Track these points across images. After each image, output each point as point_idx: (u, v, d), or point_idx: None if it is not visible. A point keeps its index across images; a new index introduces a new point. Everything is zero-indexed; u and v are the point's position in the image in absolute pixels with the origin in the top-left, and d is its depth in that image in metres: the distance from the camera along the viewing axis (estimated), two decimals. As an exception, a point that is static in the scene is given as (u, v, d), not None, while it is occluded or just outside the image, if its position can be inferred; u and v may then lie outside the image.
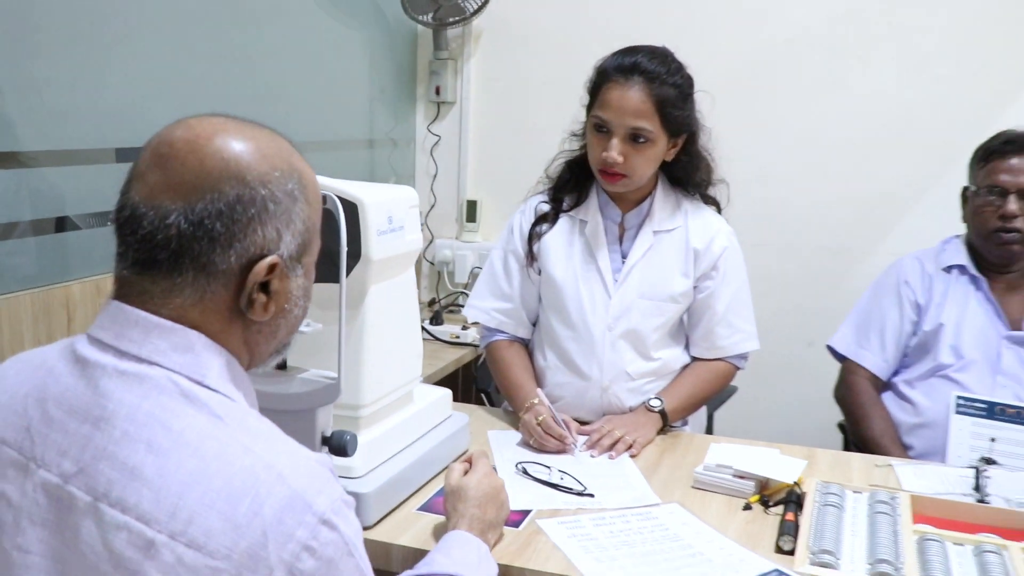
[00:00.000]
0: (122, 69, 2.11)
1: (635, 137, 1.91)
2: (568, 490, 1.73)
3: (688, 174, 2.06)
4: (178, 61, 2.26)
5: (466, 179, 3.26)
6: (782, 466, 1.80)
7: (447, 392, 1.87)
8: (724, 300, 2.09)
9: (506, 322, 2.15)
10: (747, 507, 1.70)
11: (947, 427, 2.10)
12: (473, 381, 2.81)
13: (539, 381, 2.11)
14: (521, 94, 3.04)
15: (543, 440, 1.90)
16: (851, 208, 2.94)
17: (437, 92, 3.04)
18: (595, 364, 2.05)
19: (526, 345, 2.19)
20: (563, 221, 2.09)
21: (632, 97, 1.89)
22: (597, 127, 1.94)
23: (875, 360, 2.36)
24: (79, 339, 1.03)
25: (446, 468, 1.76)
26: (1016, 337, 2.25)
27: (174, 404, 0.96)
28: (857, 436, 2.37)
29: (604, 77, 1.93)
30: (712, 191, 2.11)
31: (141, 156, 1.02)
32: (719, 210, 2.13)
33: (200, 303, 1.01)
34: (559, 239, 2.07)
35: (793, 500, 1.67)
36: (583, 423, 2.02)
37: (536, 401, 1.97)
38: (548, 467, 1.81)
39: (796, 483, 1.73)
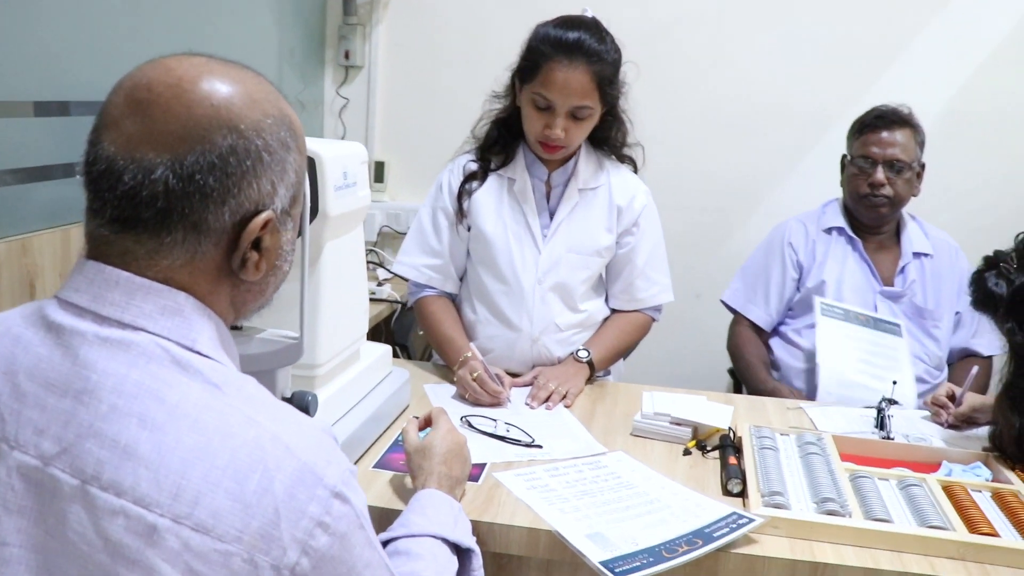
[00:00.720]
0: (40, 20, 1.85)
1: (576, 113, 1.86)
2: (517, 442, 1.65)
3: (609, 135, 2.01)
4: (94, 15, 2.00)
5: (374, 141, 3.09)
6: (713, 412, 1.78)
7: (387, 348, 1.76)
8: (643, 254, 2.06)
9: (435, 277, 2.03)
10: (687, 452, 1.68)
11: (837, 367, 2.16)
12: (391, 336, 2.66)
13: (469, 335, 2.02)
14: (428, 59, 2.89)
15: (478, 395, 1.80)
16: (735, 173, 2.96)
17: (346, 56, 2.86)
18: (525, 316, 1.98)
19: (454, 300, 2.06)
20: (492, 180, 1.98)
21: (578, 78, 1.82)
22: (539, 103, 1.85)
23: (759, 314, 2.43)
24: (48, 303, 0.87)
25: (392, 425, 1.65)
26: (888, 292, 2.34)
27: (166, 373, 0.82)
28: (740, 372, 2.43)
29: (546, 54, 1.83)
30: (628, 151, 2.06)
31: (111, 101, 0.86)
32: (635, 169, 2.06)
33: (190, 264, 0.87)
34: (489, 197, 1.96)
35: (730, 444, 1.63)
36: (514, 375, 1.96)
37: (469, 355, 1.85)
38: (494, 420, 1.72)
39: (730, 428, 1.67)
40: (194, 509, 0.77)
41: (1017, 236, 1.63)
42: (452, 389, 1.89)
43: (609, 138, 2.00)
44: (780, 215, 2.84)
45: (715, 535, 1.30)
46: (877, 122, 2.29)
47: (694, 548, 1.27)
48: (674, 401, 1.79)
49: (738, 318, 2.47)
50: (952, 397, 1.87)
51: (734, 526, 1.32)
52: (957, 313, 2.36)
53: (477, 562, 1.21)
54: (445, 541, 1.16)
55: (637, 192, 2.03)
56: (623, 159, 2.05)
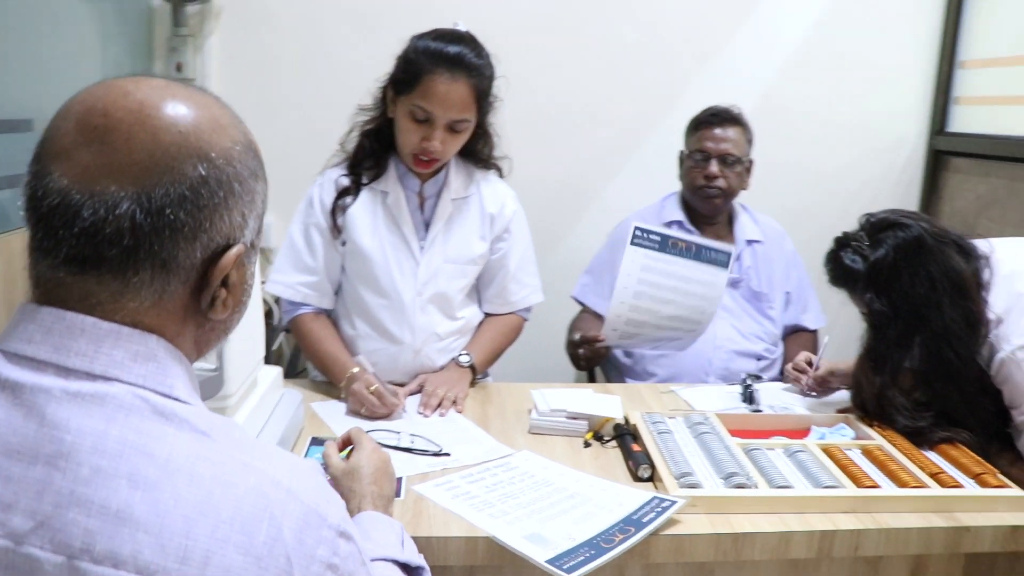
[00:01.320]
0: None
1: (454, 126, 1.88)
2: (425, 452, 1.65)
3: (477, 148, 2.04)
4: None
5: (211, 156, 2.95)
6: (603, 404, 1.85)
7: (278, 370, 1.71)
8: (515, 259, 2.12)
9: (311, 295, 2.01)
10: (587, 444, 1.73)
11: (692, 350, 2.25)
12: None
13: (349, 350, 1.99)
14: (264, 70, 2.81)
15: (375, 408, 1.80)
16: (570, 172, 3.02)
17: (178, 69, 2.73)
18: (407, 329, 1.99)
19: (330, 315, 2.04)
20: (364, 194, 1.98)
21: (459, 91, 1.84)
22: (417, 115, 1.85)
23: (605, 305, 2.39)
24: None
25: (293, 448, 1.62)
26: (729, 279, 2.42)
27: (148, 425, 0.75)
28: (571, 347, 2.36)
29: (426, 67, 1.83)
30: (494, 161, 2.11)
31: (58, 128, 0.78)
32: (501, 174, 2.10)
33: (158, 305, 0.80)
34: (363, 211, 1.96)
35: (627, 432, 1.70)
36: (398, 385, 1.94)
37: (357, 370, 1.87)
38: (397, 433, 1.72)
39: (625, 417, 1.76)
40: (205, 570, 0.72)
41: (860, 219, 1.81)
42: (339, 405, 1.88)
43: (476, 151, 2.03)
44: (611, 212, 2.99)
45: (644, 521, 1.37)
46: (712, 119, 2.43)
47: (628, 536, 1.33)
48: (564, 396, 1.85)
49: (586, 309, 2.52)
50: (810, 363, 2.04)
51: (659, 510, 1.39)
52: (787, 293, 2.53)
53: None
54: (395, 562, 1.12)
55: (507, 199, 2.08)
56: (490, 166, 2.08)
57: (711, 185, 2.41)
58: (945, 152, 3.07)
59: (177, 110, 0.79)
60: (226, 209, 0.82)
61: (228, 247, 0.83)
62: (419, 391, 1.95)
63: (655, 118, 3.01)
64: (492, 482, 1.53)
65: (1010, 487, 1.51)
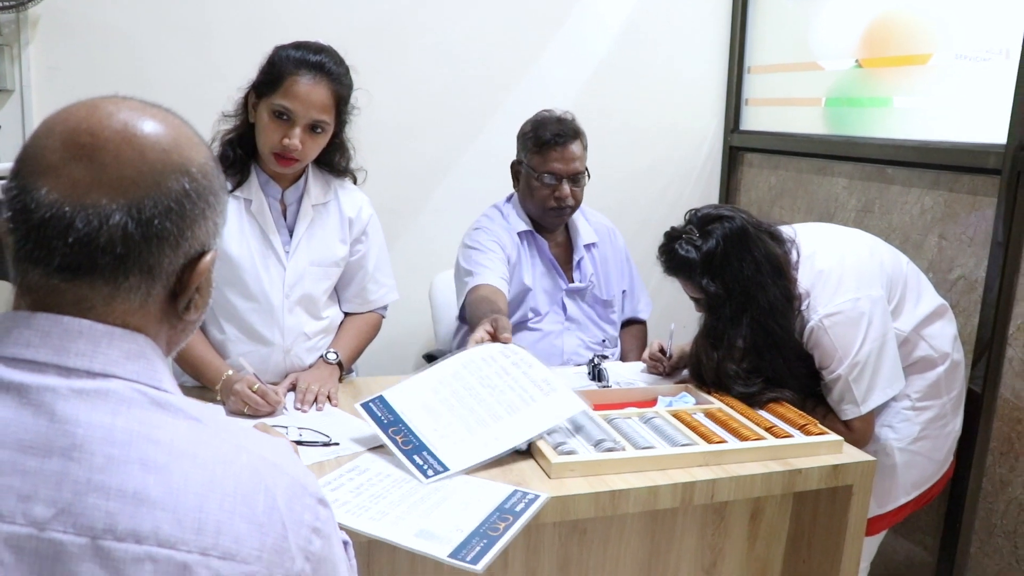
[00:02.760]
0: None
1: (314, 127, 1.94)
2: (315, 443, 1.72)
3: (333, 160, 2.11)
4: None
5: (31, 168, 2.82)
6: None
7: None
8: (372, 260, 2.21)
9: (178, 302, 2.00)
10: (463, 426, 1.82)
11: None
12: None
13: (220, 354, 2.01)
14: (88, 81, 2.72)
15: (260, 407, 1.85)
16: (402, 175, 3.10)
17: (-6, 79, 2.61)
18: (277, 330, 2.04)
19: (196, 321, 2.06)
20: (229, 201, 1.99)
21: (320, 92, 1.92)
22: (279, 114, 1.91)
23: (492, 277, 2.33)
24: None
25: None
26: (572, 289, 2.55)
27: (149, 416, 0.83)
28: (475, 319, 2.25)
29: (289, 70, 1.90)
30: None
31: (44, 146, 0.83)
32: (355, 182, 2.18)
33: (143, 307, 0.87)
34: (230, 219, 1.99)
35: (499, 412, 1.82)
36: (270, 384, 1.98)
37: (232, 372, 1.93)
38: (284, 427, 1.77)
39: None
40: (218, 539, 0.80)
41: (686, 214, 2.03)
42: (216, 408, 1.91)
43: (333, 162, 2.10)
44: (445, 210, 3.12)
45: (517, 510, 1.45)
46: (556, 139, 2.39)
47: (510, 523, 1.41)
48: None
49: (469, 293, 2.30)
50: (663, 351, 2.24)
51: (526, 503, 1.47)
52: (623, 291, 2.66)
53: (351, 551, 1.30)
54: None
55: (363, 204, 2.17)
56: (344, 174, 2.15)
57: (563, 205, 2.43)
58: (740, 148, 3.41)
59: (157, 129, 0.86)
60: (203, 219, 0.89)
61: (203, 253, 0.90)
62: (292, 389, 2.02)
63: (478, 124, 3.15)
64: (354, 487, 1.53)
65: (828, 433, 1.77)
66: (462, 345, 2.36)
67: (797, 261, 1.98)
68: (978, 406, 2.22)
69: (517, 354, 1.83)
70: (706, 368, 1.99)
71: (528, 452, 1.69)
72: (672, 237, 2.00)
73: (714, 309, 1.96)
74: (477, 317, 2.11)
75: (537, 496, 1.50)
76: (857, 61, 2.80)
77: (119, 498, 0.78)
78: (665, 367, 2.21)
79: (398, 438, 1.66)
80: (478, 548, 1.35)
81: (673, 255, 1.97)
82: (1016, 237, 2.15)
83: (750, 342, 1.93)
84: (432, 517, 1.43)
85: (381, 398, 1.76)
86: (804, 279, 1.97)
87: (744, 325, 1.92)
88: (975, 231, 2.29)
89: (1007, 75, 2.17)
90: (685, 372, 2.18)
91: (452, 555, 1.33)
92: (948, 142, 2.41)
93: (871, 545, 2.14)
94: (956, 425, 2.12)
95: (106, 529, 0.77)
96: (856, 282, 1.95)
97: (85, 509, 0.77)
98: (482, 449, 1.63)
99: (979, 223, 2.28)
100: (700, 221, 1.97)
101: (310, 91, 1.90)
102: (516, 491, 1.52)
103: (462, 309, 2.42)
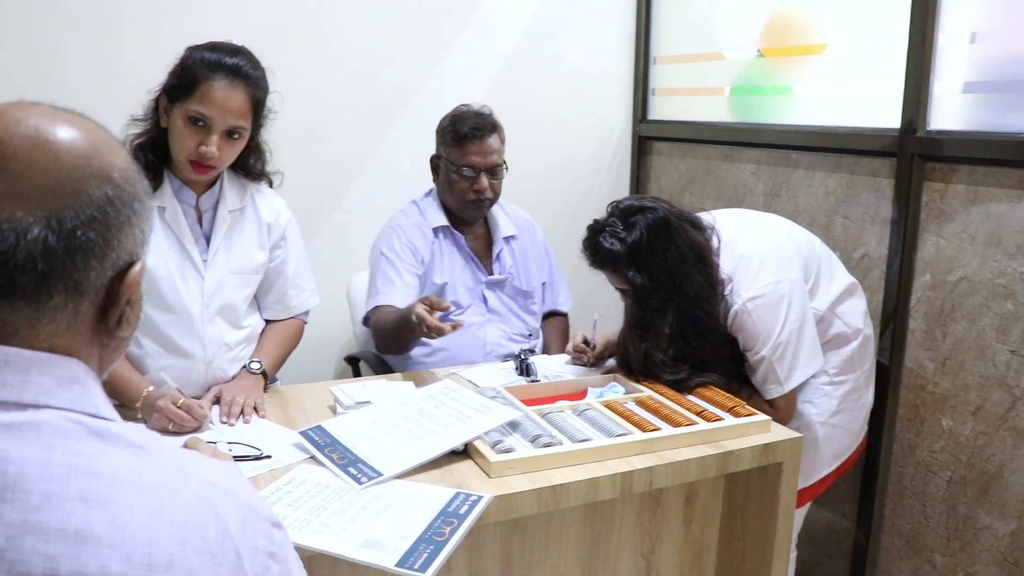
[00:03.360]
0: None
1: (231, 133, 1.88)
2: (247, 457, 1.68)
3: (248, 163, 2.05)
4: None
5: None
6: (400, 391, 1.93)
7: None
8: (292, 265, 2.17)
9: (90, 320, 1.92)
10: (397, 429, 1.81)
11: (460, 356, 2.40)
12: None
13: (138, 370, 1.94)
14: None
15: (185, 423, 1.79)
16: (314, 175, 3.04)
17: None
18: (197, 342, 1.98)
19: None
20: (142, 211, 1.92)
21: (237, 98, 1.85)
22: (194, 120, 1.84)
23: (401, 298, 2.40)
24: None
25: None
26: (492, 281, 2.56)
27: (87, 447, 0.77)
28: (396, 345, 2.36)
29: (204, 74, 1.83)
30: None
31: None
32: (271, 186, 2.13)
33: (71, 327, 0.81)
34: None
35: (432, 413, 1.81)
36: (193, 398, 1.92)
37: (152, 388, 1.86)
38: (213, 443, 1.72)
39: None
40: (170, 574, 0.75)
41: (608, 206, 2.04)
42: (137, 425, 1.84)
43: (248, 165, 2.04)
44: (360, 209, 3.07)
45: (461, 513, 1.44)
46: (474, 133, 2.40)
47: (455, 527, 1.40)
48: (362, 388, 1.94)
49: (377, 312, 2.38)
50: (586, 342, 2.24)
51: (470, 504, 1.47)
52: (543, 283, 2.68)
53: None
54: None
55: (280, 208, 2.11)
56: (260, 177, 2.10)
57: (482, 198, 2.44)
58: (648, 137, 3.45)
59: (72, 134, 0.80)
60: (129, 227, 0.83)
61: (132, 263, 0.84)
62: (216, 402, 1.96)
63: (389, 122, 3.11)
64: (291, 500, 1.50)
65: (756, 414, 1.81)
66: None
67: (718, 247, 2.02)
68: (886, 377, 2.30)
69: (456, 391, 1.83)
70: (634, 358, 2.01)
71: (466, 453, 1.68)
72: (596, 230, 2.00)
73: (641, 300, 1.98)
74: (398, 319, 2.18)
75: (480, 497, 1.49)
76: (759, 51, 2.86)
77: (59, 539, 0.72)
78: (589, 358, 2.22)
79: (333, 455, 1.63)
80: (425, 555, 1.34)
81: (598, 248, 1.98)
82: (912, 215, 2.24)
83: (676, 329, 1.96)
84: (376, 526, 1.41)
85: (319, 427, 1.74)
86: (726, 265, 2.00)
87: (670, 313, 1.95)
88: (875, 211, 2.37)
89: (897, 63, 2.25)
90: (610, 362, 2.20)
91: (399, 564, 1.31)
92: (846, 127, 2.49)
93: (798, 517, 2.20)
94: (869, 397, 2.20)
95: (47, 574, 0.71)
96: (776, 265, 1.99)
97: (22, 554, 0.71)
98: (415, 455, 1.61)
99: (878, 203, 2.36)
100: (623, 213, 1.98)
101: (227, 97, 1.84)
102: (458, 493, 1.51)
103: (367, 318, 2.44)
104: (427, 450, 1.61)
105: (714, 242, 2.01)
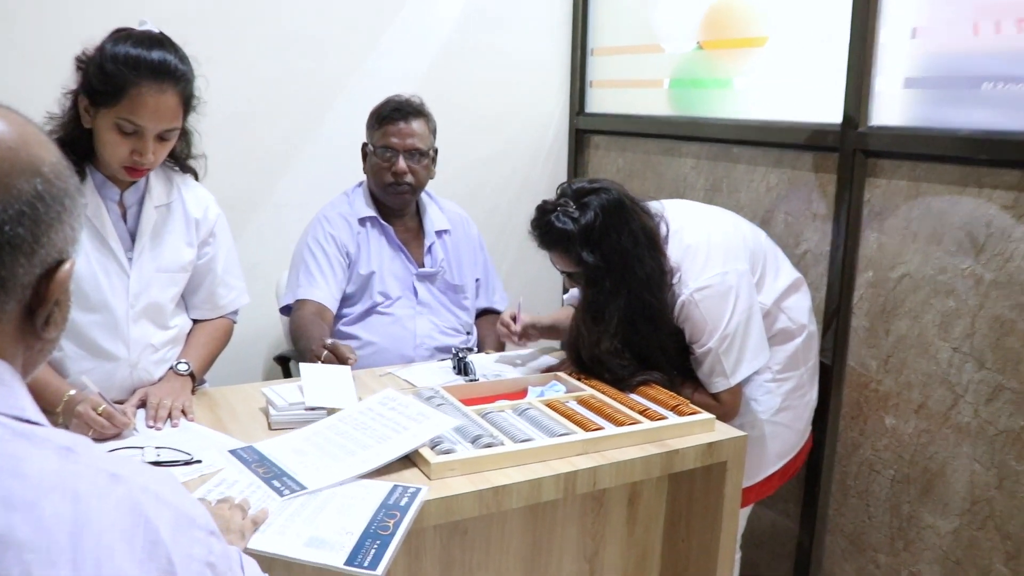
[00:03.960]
0: None
1: (164, 135, 1.86)
2: (176, 463, 1.66)
3: (175, 150, 2.01)
4: None
5: None
6: (336, 392, 1.92)
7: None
8: (221, 262, 2.16)
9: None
10: (334, 432, 1.81)
11: (390, 349, 2.47)
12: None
13: (59, 373, 1.91)
14: None
15: (106, 430, 1.77)
16: (240, 168, 3.00)
17: None
18: (121, 343, 1.96)
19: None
20: (62, 207, 1.88)
21: (168, 101, 1.82)
22: (124, 128, 1.80)
23: (323, 293, 2.47)
24: None
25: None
26: (423, 273, 2.59)
27: (13, 448, 0.77)
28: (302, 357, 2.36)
29: (130, 79, 1.78)
30: (192, 163, 2.10)
31: None
32: (196, 178, 2.11)
33: None
34: None
35: (371, 415, 1.82)
36: (118, 402, 1.90)
37: (73, 392, 1.83)
38: (140, 448, 1.71)
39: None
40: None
41: (559, 187, 2.05)
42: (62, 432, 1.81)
43: (176, 152, 2.01)
44: (288, 204, 3.06)
45: (402, 505, 1.47)
46: (395, 114, 2.49)
47: (399, 519, 1.42)
48: (295, 388, 1.93)
49: (297, 305, 2.46)
50: (514, 318, 2.30)
51: (410, 496, 1.49)
52: (477, 280, 2.72)
53: None
54: None
55: (209, 203, 2.10)
56: (186, 170, 2.08)
57: (400, 181, 2.49)
58: (586, 131, 3.50)
59: (0, 127, 0.80)
60: (59, 223, 0.83)
61: (61, 262, 0.84)
62: (142, 406, 1.93)
63: (318, 114, 3.10)
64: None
65: (700, 412, 1.85)
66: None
67: (667, 236, 2.05)
68: (829, 375, 2.37)
69: (395, 400, 1.83)
70: (586, 342, 2.03)
71: (406, 456, 1.68)
72: (546, 210, 2.01)
73: (593, 281, 1.99)
74: (308, 337, 2.24)
75: (419, 489, 1.52)
76: (698, 43, 2.92)
77: None
78: (514, 332, 2.29)
79: (260, 470, 1.63)
80: (373, 551, 1.36)
81: (550, 227, 1.98)
82: (854, 211, 2.31)
83: (626, 315, 1.98)
84: (318, 522, 1.43)
85: (251, 447, 1.73)
86: (673, 254, 2.04)
87: (622, 297, 1.97)
88: (818, 206, 2.44)
89: (839, 57, 2.32)
90: (548, 359, 2.24)
91: (348, 562, 1.33)
92: (788, 122, 2.56)
93: (741, 518, 2.26)
94: (813, 395, 2.26)
95: None
96: (723, 256, 2.04)
97: None
98: (345, 470, 1.60)
99: (820, 199, 2.43)
100: (575, 194, 2.00)
101: (158, 102, 1.80)
102: (396, 486, 1.54)
103: (287, 307, 2.50)
104: (358, 465, 1.61)
105: (663, 229, 2.04)
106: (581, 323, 2.05)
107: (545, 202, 2.03)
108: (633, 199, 2.04)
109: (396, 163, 2.48)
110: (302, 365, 2.00)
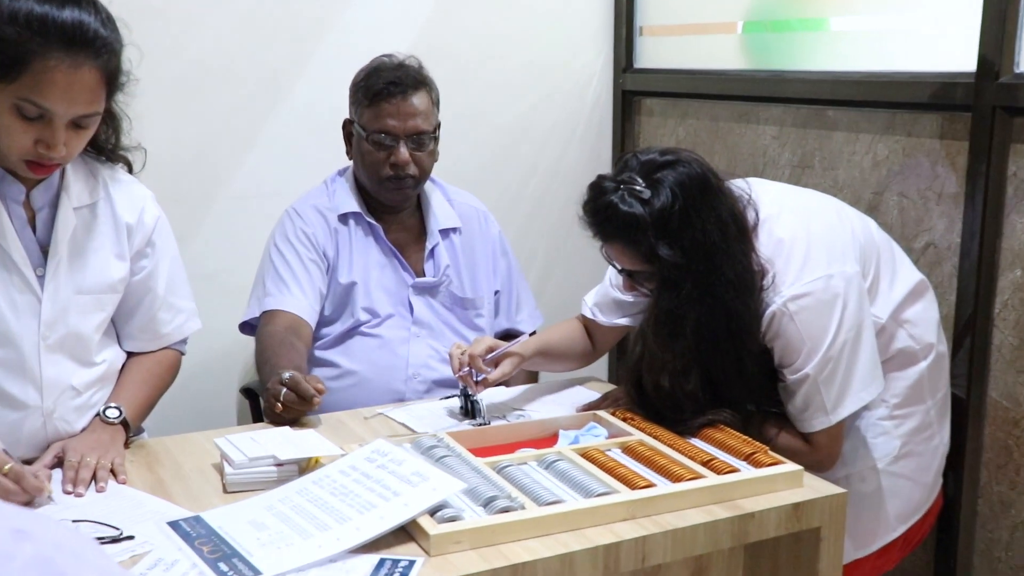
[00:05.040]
0: None
1: (81, 122, 1.87)
2: (103, 539, 1.69)
3: (99, 138, 2.04)
4: None
5: None
6: (307, 442, 1.97)
7: None
8: (163, 279, 2.18)
9: None
10: (305, 495, 1.83)
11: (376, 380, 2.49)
12: None
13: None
14: None
15: (12, 495, 1.79)
16: (186, 153, 3.02)
17: None
18: (31, 386, 1.99)
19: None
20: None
21: (84, 79, 1.81)
22: (26, 111, 1.80)
23: (297, 302, 2.48)
24: None
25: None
26: (421, 284, 2.62)
27: None
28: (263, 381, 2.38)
29: (34, 48, 1.76)
30: (123, 152, 2.13)
31: None
32: (131, 170, 2.16)
33: None
34: None
35: (354, 472, 1.85)
36: (26, 462, 1.93)
37: None
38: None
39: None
40: None
41: (621, 160, 2.04)
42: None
43: (99, 141, 2.04)
44: (249, 196, 3.08)
45: None
46: (391, 88, 2.47)
47: None
48: (256, 441, 1.96)
49: (266, 317, 2.48)
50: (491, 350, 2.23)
51: (401, 571, 1.53)
52: (496, 292, 2.73)
53: None
54: None
55: (146, 203, 2.13)
56: (116, 160, 2.11)
57: (402, 174, 2.49)
58: (635, 92, 3.52)
59: None
60: None
61: None
62: (58, 465, 1.96)
63: (287, 81, 3.13)
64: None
65: (784, 463, 1.86)
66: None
67: (755, 226, 2.05)
68: (964, 410, 2.35)
69: (387, 455, 1.85)
70: (655, 365, 2.02)
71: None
72: (605, 188, 1.98)
73: (671, 284, 1.97)
74: (272, 366, 2.24)
75: (412, 561, 1.55)
76: (781, -28, 2.93)
77: None
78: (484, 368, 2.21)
79: (204, 548, 1.65)
80: None
81: (612, 212, 1.94)
82: (994, 190, 2.29)
83: (707, 331, 1.97)
84: None
85: (197, 517, 1.76)
86: (763, 250, 2.03)
87: (706, 305, 1.95)
88: (944, 185, 2.43)
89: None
90: (588, 394, 2.25)
91: None
92: (904, 72, 2.55)
93: (847, 603, 2.25)
94: (944, 437, 2.24)
95: None
96: (827, 255, 2.03)
97: None
98: (314, 551, 1.61)
99: (948, 174, 2.42)
100: (644, 167, 1.97)
101: (70, 82, 1.79)
102: (383, 560, 1.56)
103: (249, 324, 2.54)
104: (330, 545, 1.63)
105: (751, 216, 2.04)
106: (652, 339, 2.03)
107: (603, 178, 2.00)
108: (719, 175, 2.02)
109: (396, 152, 2.48)
110: (253, 433, 2.03)
